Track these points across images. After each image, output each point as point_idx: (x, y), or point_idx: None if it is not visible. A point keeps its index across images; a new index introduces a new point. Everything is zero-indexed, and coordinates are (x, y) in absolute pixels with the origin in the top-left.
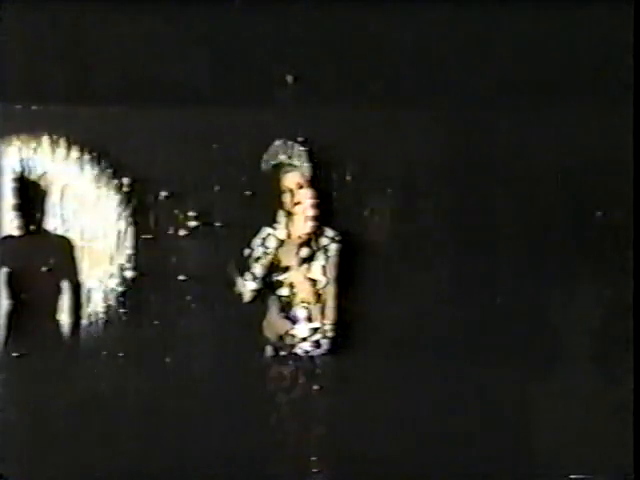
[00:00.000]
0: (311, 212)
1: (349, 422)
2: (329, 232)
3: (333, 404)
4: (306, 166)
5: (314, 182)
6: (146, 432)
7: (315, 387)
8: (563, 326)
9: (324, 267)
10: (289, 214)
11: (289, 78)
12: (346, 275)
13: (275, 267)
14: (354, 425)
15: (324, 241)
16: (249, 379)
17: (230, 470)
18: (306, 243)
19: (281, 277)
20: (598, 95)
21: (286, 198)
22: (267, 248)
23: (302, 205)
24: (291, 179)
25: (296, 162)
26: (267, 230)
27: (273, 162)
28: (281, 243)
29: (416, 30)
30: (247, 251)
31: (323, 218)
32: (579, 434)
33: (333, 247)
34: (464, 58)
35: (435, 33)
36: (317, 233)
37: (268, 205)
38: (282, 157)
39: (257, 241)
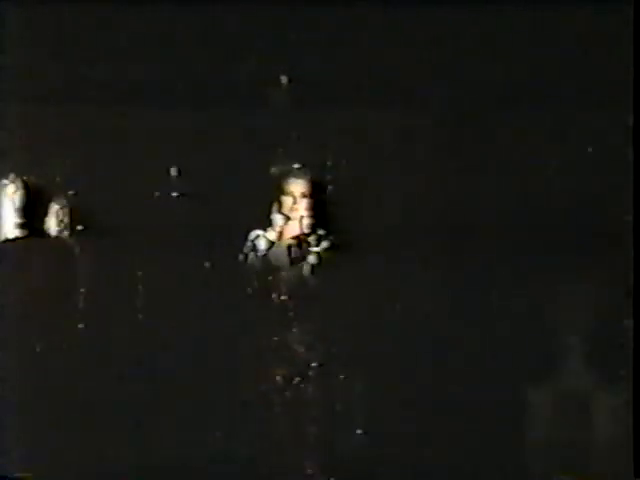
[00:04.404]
0: (309, 220)
1: None
2: (319, 231)
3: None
4: (310, 176)
5: (314, 189)
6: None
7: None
8: (562, 325)
9: (314, 267)
10: (287, 217)
11: (283, 79)
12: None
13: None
14: None
15: (313, 239)
16: None
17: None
18: (297, 244)
19: (272, 278)
20: (598, 95)
21: (287, 202)
22: (258, 250)
23: (300, 211)
24: (297, 186)
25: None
26: (256, 232)
27: (286, 166)
28: (271, 245)
29: (415, 31)
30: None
31: (317, 219)
32: (578, 434)
33: (323, 245)
34: (462, 59)
35: (433, 34)
36: (308, 233)
37: (261, 207)
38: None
39: (248, 243)
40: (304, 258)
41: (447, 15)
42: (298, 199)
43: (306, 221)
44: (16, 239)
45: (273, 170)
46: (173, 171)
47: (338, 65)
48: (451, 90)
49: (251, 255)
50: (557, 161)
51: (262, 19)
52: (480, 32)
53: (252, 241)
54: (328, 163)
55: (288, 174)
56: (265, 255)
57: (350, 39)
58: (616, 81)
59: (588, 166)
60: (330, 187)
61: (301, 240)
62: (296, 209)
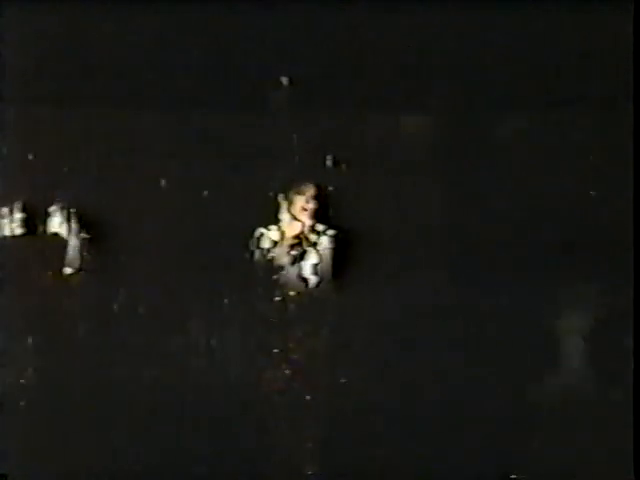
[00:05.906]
0: (311, 222)
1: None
2: (319, 226)
3: None
4: (313, 178)
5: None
6: (138, 432)
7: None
8: (562, 326)
9: (315, 265)
10: (294, 218)
11: (284, 80)
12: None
13: (270, 267)
14: None
15: (313, 237)
16: None
17: None
18: (298, 242)
19: (275, 277)
20: (598, 95)
21: (298, 203)
22: (263, 249)
23: (305, 213)
24: (308, 189)
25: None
26: (260, 230)
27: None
28: (275, 244)
29: (415, 32)
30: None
31: (319, 216)
32: (579, 435)
33: (324, 240)
34: (462, 60)
35: (434, 35)
36: (309, 232)
37: (262, 207)
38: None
39: (253, 241)
40: (303, 257)
41: (447, 15)
42: (307, 201)
43: (309, 222)
44: (17, 237)
45: (279, 173)
46: (177, 172)
47: (337, 67)
48: (451, 90)
49: (257, 253)
50: (557, 161)
51: (263, 20)
52: (480, 32)
53: (257, 238)
54: (329, 164)
55: (294, 178)
56: (269, 253)
57: (350, 40)
58: (616, 81)
59: (588, 166)
60: (331, 188)
61: (302, 239)
62: (302, 211)
